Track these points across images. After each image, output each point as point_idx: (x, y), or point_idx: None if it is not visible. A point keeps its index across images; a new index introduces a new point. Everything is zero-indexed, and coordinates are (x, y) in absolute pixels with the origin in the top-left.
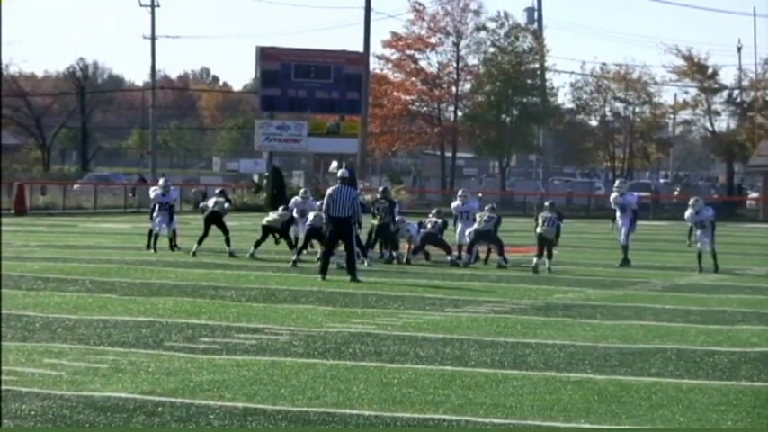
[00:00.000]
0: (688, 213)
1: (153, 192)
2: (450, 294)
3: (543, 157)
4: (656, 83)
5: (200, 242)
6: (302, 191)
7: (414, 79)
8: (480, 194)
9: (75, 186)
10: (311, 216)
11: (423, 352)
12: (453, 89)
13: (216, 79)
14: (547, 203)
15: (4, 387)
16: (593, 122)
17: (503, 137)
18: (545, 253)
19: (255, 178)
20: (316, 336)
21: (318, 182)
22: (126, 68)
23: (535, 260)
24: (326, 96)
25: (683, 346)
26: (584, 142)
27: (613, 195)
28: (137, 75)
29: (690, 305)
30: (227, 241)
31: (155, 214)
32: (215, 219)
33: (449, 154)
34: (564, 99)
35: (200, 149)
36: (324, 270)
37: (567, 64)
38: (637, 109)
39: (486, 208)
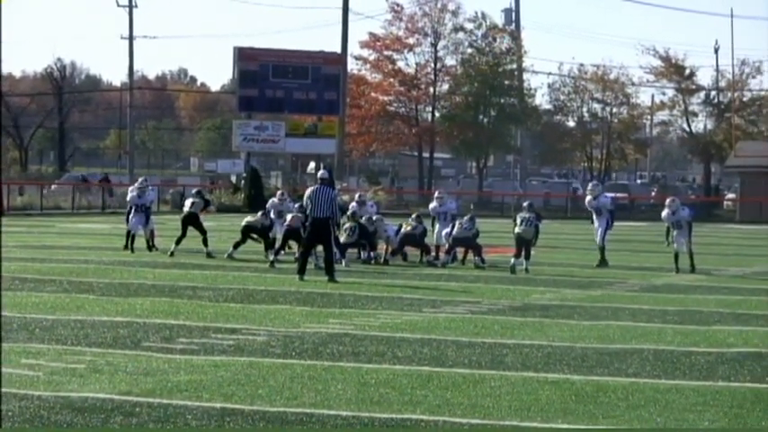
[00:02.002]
0: (665, 213)
1: (129, 193)
2: (427, 295)
3: (521, 157)
4: (633, 84)
5: (177, 242)
6: (279, 192)
7: (392, 80)
8: (456, 197)
9: (53, 187)
10: (289, 217)
11: (400, 352)
12: (431, 90)
13: (194, 79)
14: (525, 204)
15: None
16: (571, 123)
17: (480, 137)
18: (523, 253)
19: (233, 179)
20: (293, 336)
21: (296, 182)
22: (104, 69)
23: (513, 260)
24: (304, 97)
25: (661, 347)
26: (561, 143)
27: (588, 199)
28: (114, 75)
29: (667, 306)
30: (205, 242)
31: (131, 215)
32: (192, 219)
33: (426, 155)
34: (542, 100)
35: (178, 150)
36: (302, 270)
37: (545, 65)
38: (614, 110)
39: (466, 218)
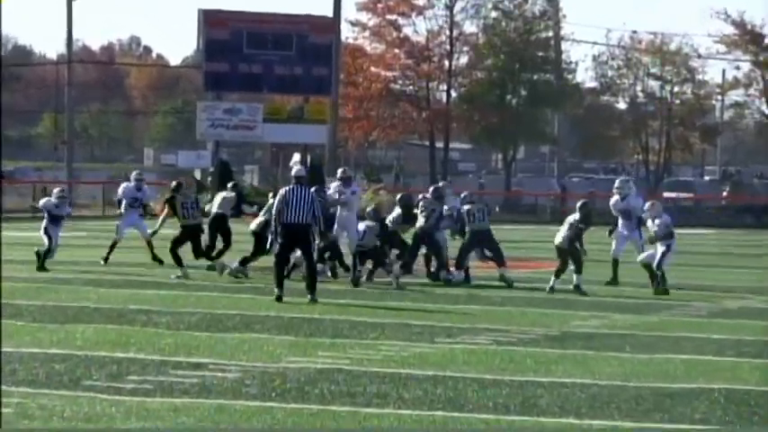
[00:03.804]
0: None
1: (123, 186)
2: (442, 321)
3: (558, 148)
4: (699, 56)
5: (210, 255)
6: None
7: (396, 51)
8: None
9: None
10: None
11: (408, 393)
12: (446, 63)
13: (148, 50)
14: (580, 204)
15: None
16: (621, 105)
17: (507, 123)
18: (573, 269)
19: (197, 175)
20: (273, 373)
21: (276, 180)
22: (35, 38)
23: (552, 279)
24: (287, 72)
25: (735, 386)
26: (609, 130)
27: (614, 199)
28: (49, 45)
29: (742, 334)
30: (221, 253)
31: (123, 216)
32: (220, 222)
33: (440, 144)
34: (584, 76)
35: (129, 138)
36: (280, 285)
37: (589, 32)
38: (675, 89)
39: (464, 195)
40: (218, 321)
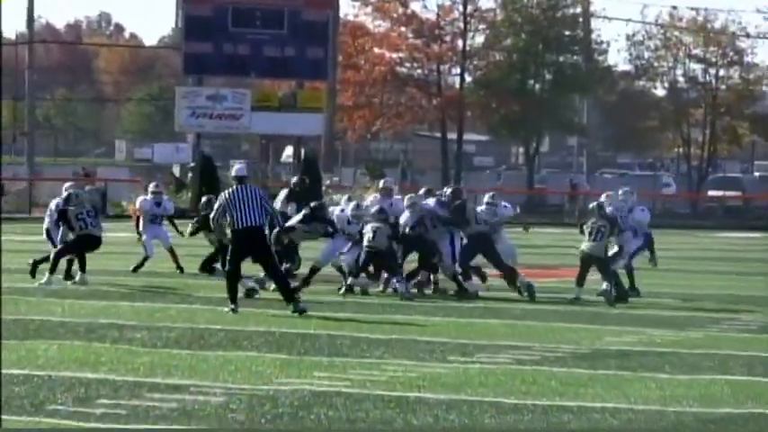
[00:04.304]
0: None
1: (140, 200)
2: (455, 336)
3: (588, 140)
4: (748, 35)
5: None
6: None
7: (403, 29)
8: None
9: None
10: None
11: (416, 419)
12: (459, 43)
13: (120, 29)
14: (593, 205)
15: None
16: (659, 91)
17: (529, 112)
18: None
19: (176, 171)
20: (263, 396)
21: (266, 176)
22: None
23: (576, 289)
24: (278, 54)
25: None
26: (645, 119)
27: (612, 209)
28: (7, 23)
29: None
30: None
31: (147, 233)
32: None
33: (453, 136)
34: (617, 58)
35: (98, 130)
36: (235, 299)
37: (622, 8)
38: (721, 72)
39: (488, 197)
40: (199, 337)
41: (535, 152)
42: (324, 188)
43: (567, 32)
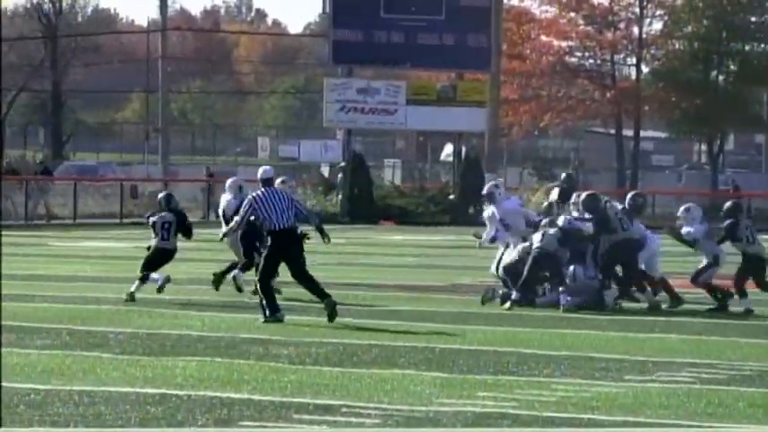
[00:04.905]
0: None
1: (226, 200)
2: (632, 353)
3: None
4: None
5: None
6: None
7: (573, 15)
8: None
9: (46, 183)
10: None
11: None
12: (635, 31)
13: (262, 15)
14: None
15: None
16: None
17: (712, 106)
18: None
19: (325, 171)
20: (421, 418)
21: (423, 177)
22: (121, 0)
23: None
24: (435, 42)
25: None
26: None
27: (687, 230)
28: (138, 9)
29: None
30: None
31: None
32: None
33: (628, 132)
34: None
35: (238, 125)
36: (277, 308)
37: None
38: None
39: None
40: (351, 354)
41: (719, 150)
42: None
43: (753, 18)
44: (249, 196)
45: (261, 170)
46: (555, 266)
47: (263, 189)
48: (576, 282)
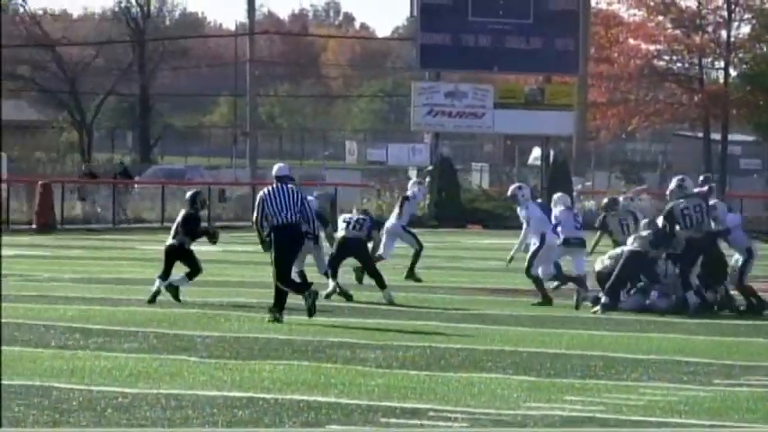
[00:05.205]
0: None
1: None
2: (720, 357)
3: None
4: None
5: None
6: None
7: (661, 19)
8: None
9: (134, 187)
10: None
11: None
12: (723, 34)
13: (349, 19)
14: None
15: None
16: None
17: None
18: None
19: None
20: (509, 421)
21: (511, 179)
22: (209, 3)
23: None
24: (523, 45)
25: None
26: None
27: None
28: (225, 13)
29: None
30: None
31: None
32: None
33: (716, 136)
34: None
35: (326, 129)
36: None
37: None
38: None
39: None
40: (439, 358)
41: None
42: (575, 193)
43: None
44: (261, 192)
45: (275, 167)
46: (649, 267)
47: (274, 185)
48: (668, 278)
